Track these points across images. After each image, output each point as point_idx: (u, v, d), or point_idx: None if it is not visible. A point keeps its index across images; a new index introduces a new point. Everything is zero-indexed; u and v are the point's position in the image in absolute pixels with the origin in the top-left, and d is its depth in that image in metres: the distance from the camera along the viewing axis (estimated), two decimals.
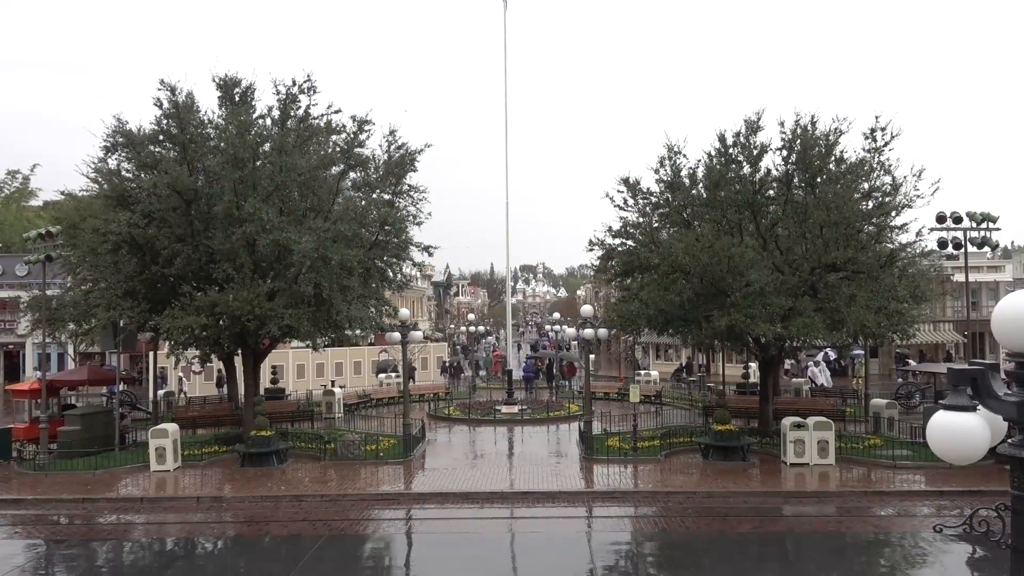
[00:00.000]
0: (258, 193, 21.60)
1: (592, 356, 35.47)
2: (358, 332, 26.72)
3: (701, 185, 24.51)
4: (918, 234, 24.31)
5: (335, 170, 24.55)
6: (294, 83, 24.02)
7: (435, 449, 25.10)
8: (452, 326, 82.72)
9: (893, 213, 22.66)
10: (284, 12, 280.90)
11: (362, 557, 15.46)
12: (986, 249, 30.51)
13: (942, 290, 39.92)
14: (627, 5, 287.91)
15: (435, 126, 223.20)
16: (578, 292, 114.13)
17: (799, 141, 22.45)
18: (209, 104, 33.24)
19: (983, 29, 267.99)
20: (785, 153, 23.04)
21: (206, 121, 24.25)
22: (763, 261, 21.85)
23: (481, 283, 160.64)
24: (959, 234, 27.63)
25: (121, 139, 23.56)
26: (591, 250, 25.83)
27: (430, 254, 26.96)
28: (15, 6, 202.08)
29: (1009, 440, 4.45)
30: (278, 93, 24.03)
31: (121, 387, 27.32)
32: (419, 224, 25.86)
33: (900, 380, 36.95)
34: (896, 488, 19.14)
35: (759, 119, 23.28)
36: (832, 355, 43.11)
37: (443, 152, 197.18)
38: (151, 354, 28.68)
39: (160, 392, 30.25)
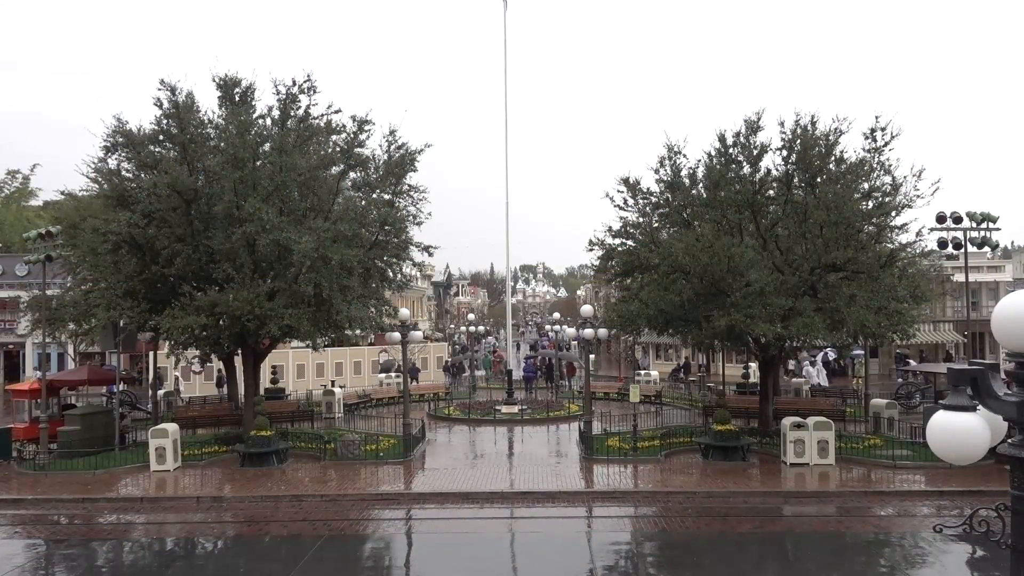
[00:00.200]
0: (258, 193, 21.60)
1: (592, 356, 35.49)
2: (358, 332, 26.73)
3: (701, 185, 24.50)
4: (918, 234, 24.35)
5: (335, 170, 24.55)
6: (294, 83, 24.03)
7: (435, 449, 25.11)
8: (452, 326, 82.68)
9: (893, 213, 22.65)
10: (284, 12, 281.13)
11: (362, 557, 15.46)
12: (986, 249, 30.50)
13: (942, 290, 39.94)
14: (627, 5, 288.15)
15: (435, 126, 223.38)
16: (578, 292, 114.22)
17: (799, 141, 22.44)
18: (209, 104, 33.28)
19: (983, 29, 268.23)
20: (785, 153, 23.03)
21: (206, 121, 24.24)
22: (763, 261, 21.85)
23: (481, 283, 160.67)
24: (959, 234, 27.63)
25: (121, 139, 23.56)
26: (591, 250, 25.87)
27: (430, 254, 26.99)
28: (15, 6, 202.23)
29: (1009, 440, 4.45)
30: (278, 93, 24.03)
31: (121, 387, 27.33)
32: (419, 224, 25.90)
33: (900, 380, 36.94)
34: (896, 488, 19.14)
35: (759, 119, 23.29)
36: (832, 355, 43.11)
37: (443, 152, 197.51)
38: (151, 354, 28.69)
39: (160, 392, 30.22)
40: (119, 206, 22.87)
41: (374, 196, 25.14)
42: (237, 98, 24.32)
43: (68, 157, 33.82)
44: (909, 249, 23.89)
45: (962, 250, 28.20)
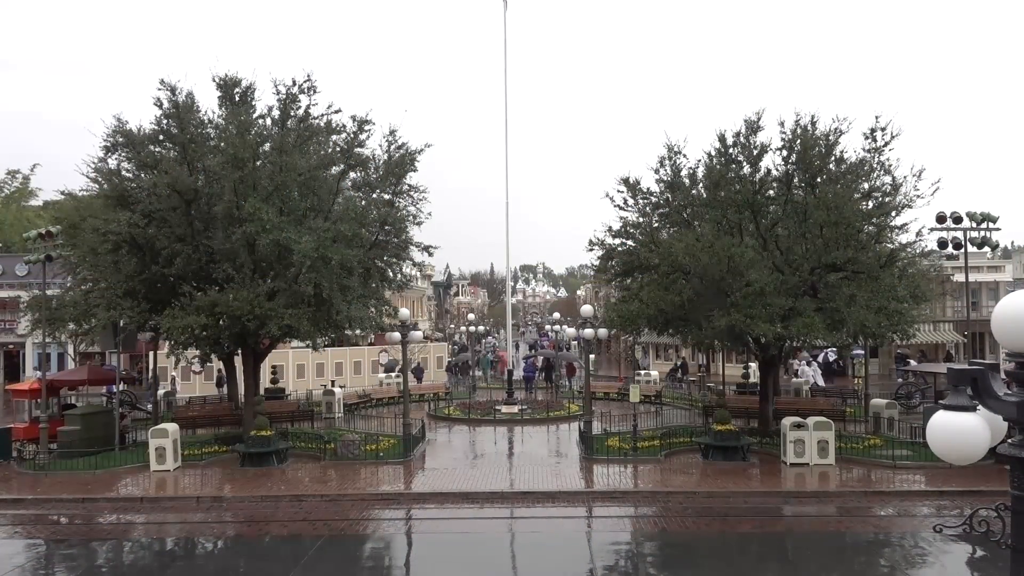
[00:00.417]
0: (258, 193, 21.60)
1: (592, 356, 35.49)
2: (358, 332, 26.75)
3: (701, 185, 24.50)
4: (918, 234, 24.36)
5: (335, 170, 24.54)
6: (294, 83, 24.02)
7: (435, 449, 25.11)
8: (452, 326, 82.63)
9: (893, 213, 22.65)
10: (284, 12, 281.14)
11: (362, 557, 15.46)
12: (986, 249, 30.47)
13: (942, 290, 39.92)
14: (627, 5, 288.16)
15: (435, 126, 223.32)
16: (578, 292, 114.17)
17: (799, 141, 22.44)
18: (209, 104, 33.22)
19: (983, 29, 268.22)
20: (785, 153, 23.03)
21: (206, 121, 24.25)
22: (763, 261, 21.84)
23: (481, 283, 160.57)
24: (959, 234, 27.60)
25: (121, 139, 23.57)
26: (591, 250, 25.87)
27: (430, 254, 27.01)
28: (15, 6, 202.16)
29: (1009, 440, 4.45)
30: (278, 93, 24.02)
31: (121, 387, 27.34)
32: (419, 224, 25.90)
33: (900, 380, 36.94)
34: (896, 488, 19.14)
35: (759, 119, 23.28)
36: (832, 355, 43.10)
37: (443, 152, 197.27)
38: (151, 354, 28.68)
39: (160, 392, 30.23)
40: (119, 206, 22.86)
41: (374, 196, 25.15)
42: (237, 98, 24.32)
43: (68, 157, 33.74)
44: (909, 249, 23.90)
45: (962, 250, 28.18)
